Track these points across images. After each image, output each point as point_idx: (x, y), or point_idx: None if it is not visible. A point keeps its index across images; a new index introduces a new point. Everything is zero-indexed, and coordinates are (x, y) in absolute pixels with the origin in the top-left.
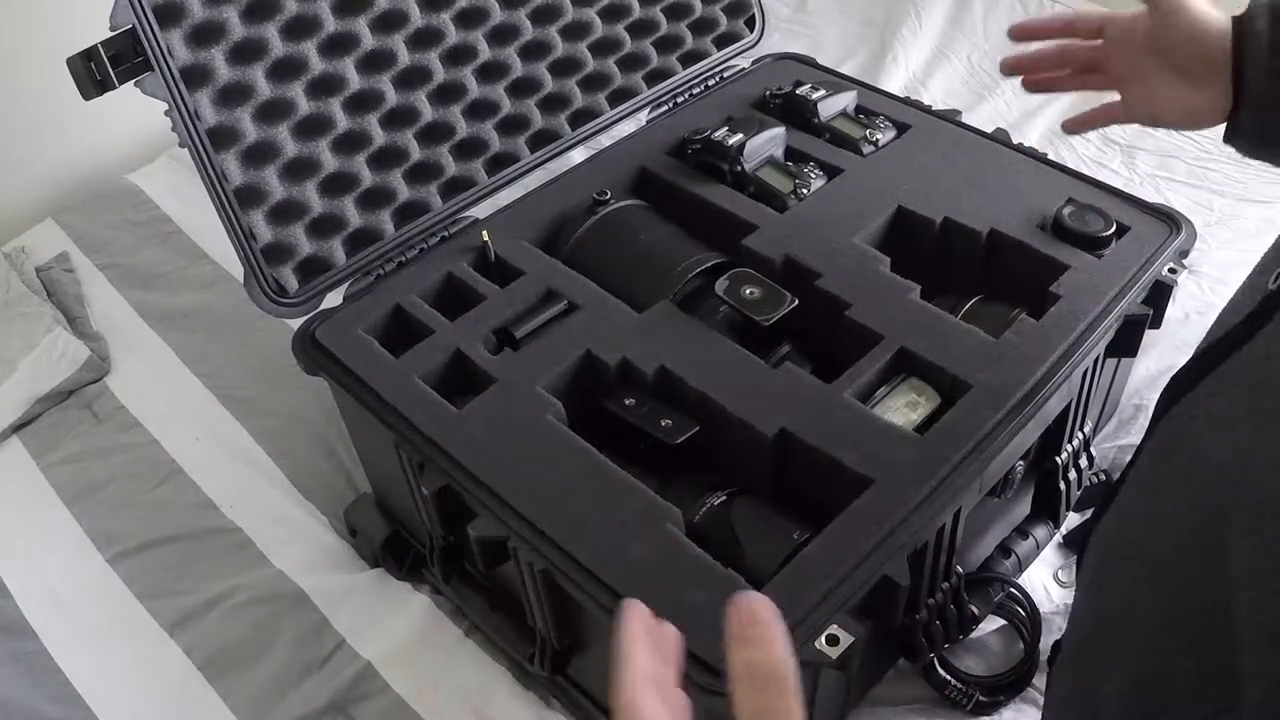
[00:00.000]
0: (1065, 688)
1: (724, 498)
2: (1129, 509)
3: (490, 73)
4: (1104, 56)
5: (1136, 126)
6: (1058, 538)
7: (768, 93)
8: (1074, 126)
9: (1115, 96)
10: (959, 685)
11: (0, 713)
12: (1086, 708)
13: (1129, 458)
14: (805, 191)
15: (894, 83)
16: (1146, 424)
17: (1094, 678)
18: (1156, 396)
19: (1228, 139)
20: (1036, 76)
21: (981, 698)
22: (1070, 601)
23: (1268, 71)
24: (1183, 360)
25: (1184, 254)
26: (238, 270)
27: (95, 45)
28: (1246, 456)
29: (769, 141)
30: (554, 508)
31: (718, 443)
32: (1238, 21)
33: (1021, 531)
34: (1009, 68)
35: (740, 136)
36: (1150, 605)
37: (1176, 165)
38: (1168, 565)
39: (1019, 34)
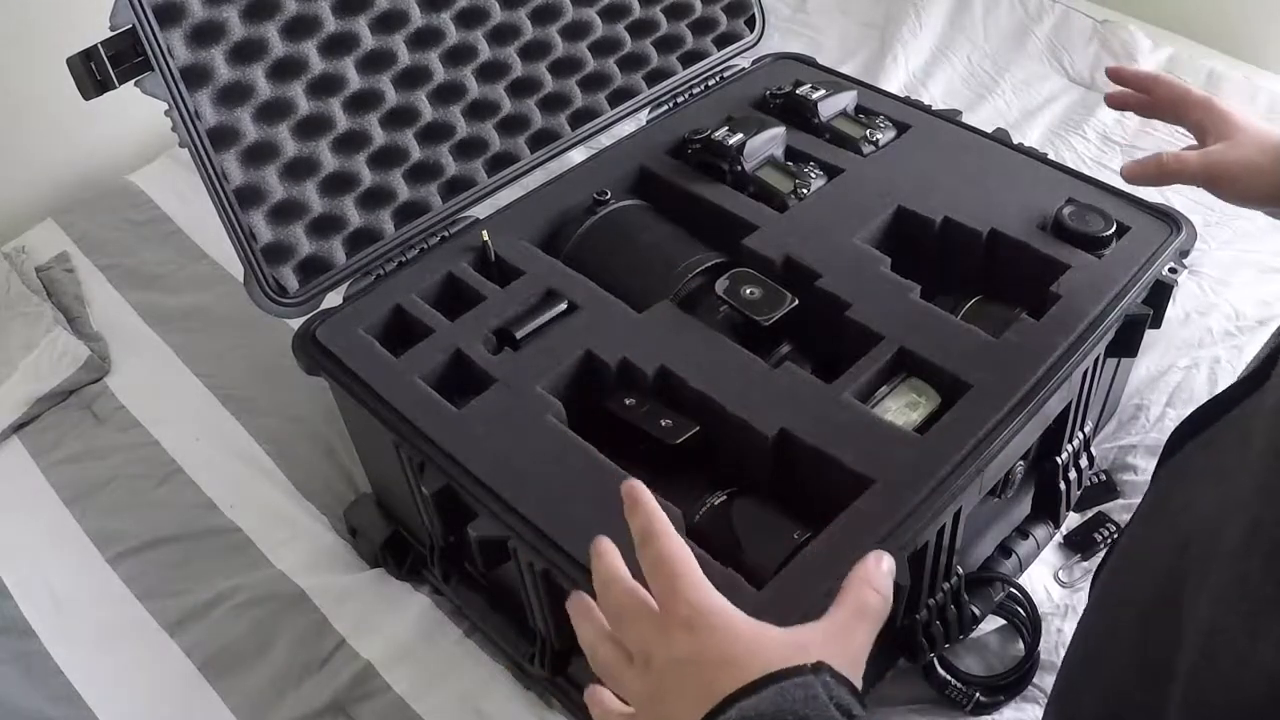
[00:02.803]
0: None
1: (724, 498)
2: (1124, 552)
3: (490, 72)
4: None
5: (1136, 126)
6: (1058, 538)
7: (768, 92)
8: (1134, 175)
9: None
10: (959, 685)
11: (0, 712)
12: None
13: (1129, 458)
14: (805, 191)
15: (894, 83)
16: (1147, 423)
17: (1071, 713)
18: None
19: None
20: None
21: (981, 698)
22: (1070, 602)
23: None
24: (1183, 361)
25: (1184, 254)
26: (238, 270)
27: (95, 45)
28: (1225, 510)
29: (769, 141)
30: (554, 508)
31: (718, 443)
32: None
33: (1022, 531)
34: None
35: (740, 136)
36: (1124, 649)
37: None
38: (1145, 613)
39: (1114, 76)
